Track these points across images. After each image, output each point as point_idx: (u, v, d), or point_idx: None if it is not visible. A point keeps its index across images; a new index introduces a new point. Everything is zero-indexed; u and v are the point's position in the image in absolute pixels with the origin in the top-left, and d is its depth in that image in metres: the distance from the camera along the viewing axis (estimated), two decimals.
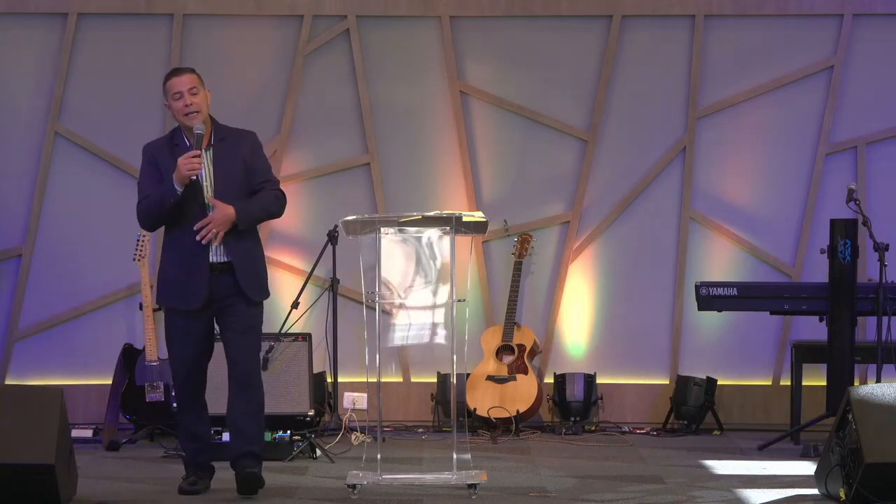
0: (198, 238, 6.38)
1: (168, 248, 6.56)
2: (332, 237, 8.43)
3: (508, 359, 8.60)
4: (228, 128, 6.61)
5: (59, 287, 8.80)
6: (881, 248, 7.71)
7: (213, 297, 6.44)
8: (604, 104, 8.87)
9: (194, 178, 6.36)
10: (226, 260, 6.45)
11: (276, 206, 6.60)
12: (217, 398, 6.78)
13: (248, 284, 6.47)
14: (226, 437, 7.18)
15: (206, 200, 6.42)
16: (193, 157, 6.33)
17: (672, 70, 8.88)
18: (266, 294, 6.62)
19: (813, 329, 8.26)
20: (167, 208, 6.41)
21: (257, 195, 6.53)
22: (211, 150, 6.49)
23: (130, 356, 8.26)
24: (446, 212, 6.74)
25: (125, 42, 8.82)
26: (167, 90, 6.49)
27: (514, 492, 6.68)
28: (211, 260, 6.43)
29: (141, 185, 6.54)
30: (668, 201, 8.90)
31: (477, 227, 6.64)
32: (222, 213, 6.39)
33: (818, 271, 8.40)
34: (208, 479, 6.64)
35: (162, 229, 6.64)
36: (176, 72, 6.55)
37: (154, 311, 8.33)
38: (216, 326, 6.56)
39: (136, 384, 8.21)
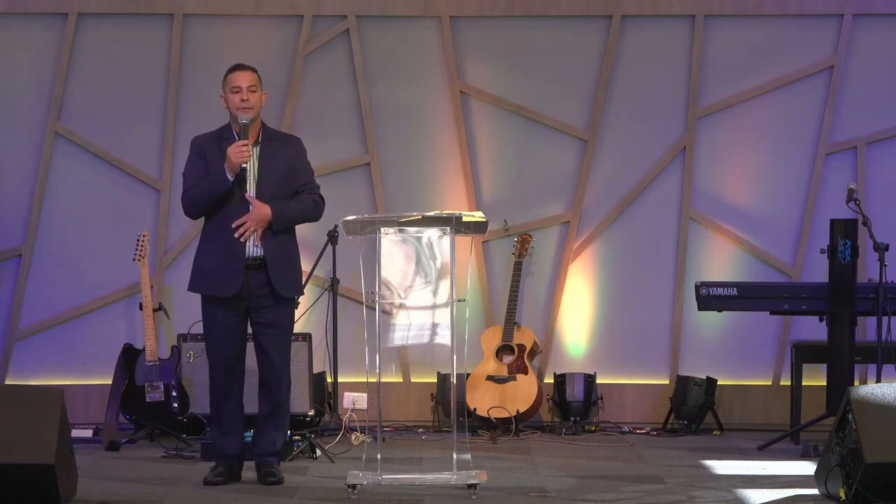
0: (235, 235, 6.61)
1: (206, 238, 6.77)
2: (332, 237, 8.44)
3: (508, 359, 8.60)
4: (276, 131, 6.95)
5: (59, 287, 8.80)
6: (881, 248, 7.70)
7: (246, 290, 6.67)
8: (604, 104, 8.87)
9: (244, 166, 6.59)
10: (260, 255, 6.66)
11: (313, 211, 6.86)
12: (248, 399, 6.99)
13: (280, 281, 6.71)
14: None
15: (246, 197, 6.64)
16: (242, 145, 6.57)
17: (672, 70, 8.88)
18: (298, 291, 6.91)
19: (813, 329, 8.26)
20: (216, 196, 6.63)
21: (296, 198, 6.78)
22: (258, 148, 6.72)
23: (130, 356, 8.26)
24: (446, 212, 6.75)
25: (125, 42, 8.82)
26: (227, 82, 6.75)
27: (514, 492, 6.68)
28: (246, 254, 6.66)
29: (186, 175, 6.78)
30: (668, 201, 8.90)
31: (477, 227, 6.65)
32: (259, 212, 6.63)
33: (818, 271, 8.40)
34: (238, 470, 6.85)
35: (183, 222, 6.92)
36: (240, 66, 6.78)
37: (154, 311, 8.33)
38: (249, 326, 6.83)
39: (136, 384, 8.20)
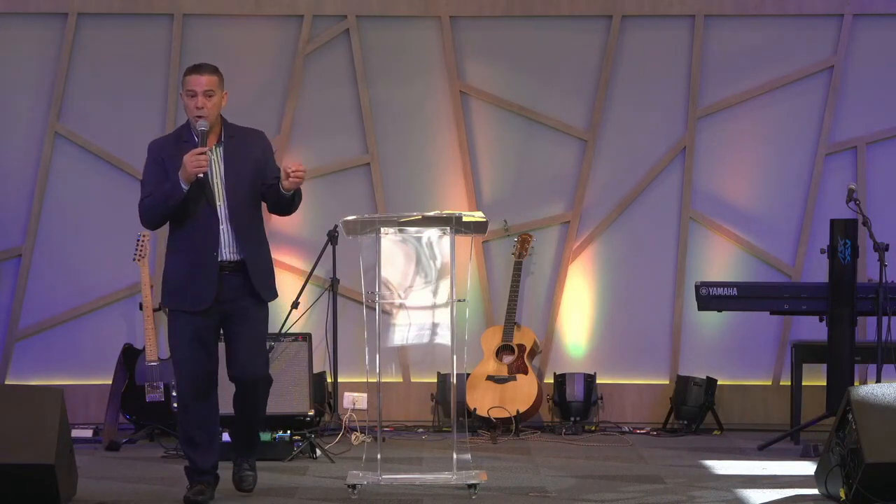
0: (293, 178, 6.23)
1: (173, 248, 6.39)
2: (332, 237, 8.44)
3: (508, 359, 8.61)
4: (238, 126, 6.49)
5: (59, 287, 8.80)
6: (881, 248, 7.70)
7: (221, 297, 6.29)
8: (604, 104, 8.87)
9: (201, 175, 6.19)
10: (238, 258, 6.31)
11: (298, 197, 6.44)
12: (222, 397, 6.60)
13: (261, 284, 6.35)
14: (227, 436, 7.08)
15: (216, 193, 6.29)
16: (199, 153, 6.18)
17: (672, 70, 8.88)
18: (275, 294, 6.51)
19: (813, 329, 8.26)
20: (172, 206, 6.25)
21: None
22: (221, 148, 6.37)
23: (130, 356, 8.26)
24: (446, 212, 6.74)
25: (125, 42, 8.82)
26: (184, 83, 6.36)
27: (514, 492, 6.68)
28: (222, 258, 6.29)
29: (144, 183, 6.39)
30: (668, 201, 8.90)
31: (477, 227, 6.64)
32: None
33: (818, 271, 8.40)
34: (213, 488, 6.45)
35: (163, 229, 6.56)
36: (197, 69, 6.36)
37: (154, 311, 8.34)
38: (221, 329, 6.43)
39: (136, 384, 8.21)
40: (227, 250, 6.31)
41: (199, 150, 6.21)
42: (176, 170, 6.24)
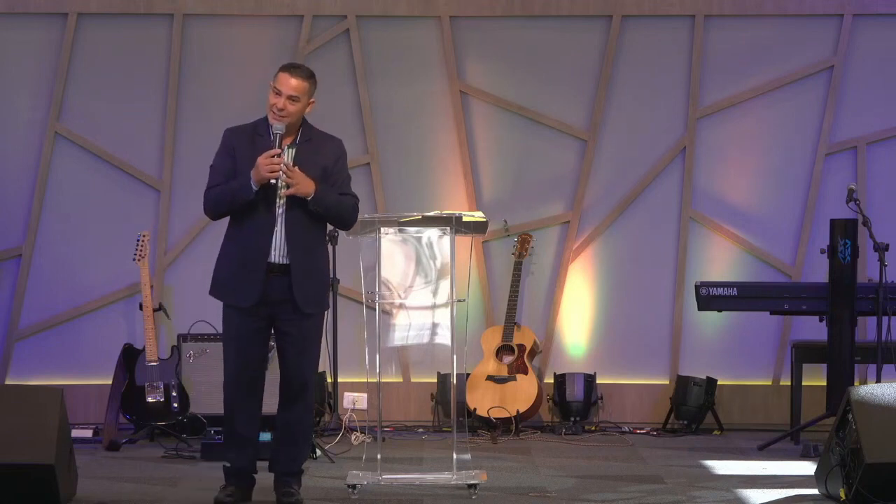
0: (271, 166, 6.05)
1: (229, 242, 6.28)
2: (332, 237, 8.42)
3: (508, 359, 8.61)
4: (317, 130, 6.34)
5: (59, 287, 8.79)
6: (881, 248, 7.71)
7: (266, 298, 6.17)
8: (604, 104, 8.87)
9: (273, 181, 6.09)
10: (286, 262, 6.16)
11: (350, 212, 6.32)
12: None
13: (302, 293, 6.18)
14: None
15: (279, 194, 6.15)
16: (274, 155, 6.06)
17: (672, 70, 8.88)
18: (322, 306, 6.34)
19: (813, 329, 8.26)
20: (238, 204, 6.15)
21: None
22: (293, 150, 6.22)
23: (130, 356, 8.26)
24: (446, 212, 6.74)
25: (125, 42, 8.82)
26: (275, 77, 6.20)
27: (514, 492, 6.69)
28: (270, 260, 6.15)
29: (213, 170, 6.26)
30: (668, 201, 8.90)
31: (477, 227, 6.64)
32: (305, 176, 6.13)
33: (818, 271, 8.40)
34: (245, 491, 6.32)
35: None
36: (291, 70, 6.21)
37: (154, 311, 8.34)
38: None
39: (136, 384, 8.21)
40: (277, 253, 6.18)
41: (274, 151, 6.08)
42: (245, 160, 6.13)
